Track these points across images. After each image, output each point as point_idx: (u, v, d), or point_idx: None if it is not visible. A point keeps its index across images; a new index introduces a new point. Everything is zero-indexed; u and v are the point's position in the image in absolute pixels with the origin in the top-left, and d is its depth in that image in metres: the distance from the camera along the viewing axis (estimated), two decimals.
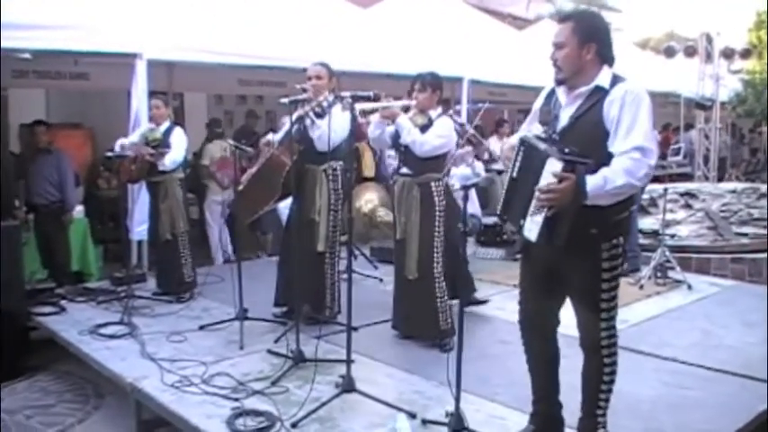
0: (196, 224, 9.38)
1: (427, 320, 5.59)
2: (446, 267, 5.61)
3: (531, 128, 3.82)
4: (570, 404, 3.95)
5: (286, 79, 8.84)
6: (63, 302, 6.87)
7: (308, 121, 5.78)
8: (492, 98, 6.09)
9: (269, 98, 12.03)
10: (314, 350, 5.03)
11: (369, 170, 11.02)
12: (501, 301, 6.49)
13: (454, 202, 5.85)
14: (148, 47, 7.52)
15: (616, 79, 3.56)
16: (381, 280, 7.77)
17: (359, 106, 5.08)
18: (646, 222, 9.91)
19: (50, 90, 10.47)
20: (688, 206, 11.21)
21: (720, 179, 15.89)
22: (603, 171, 3.35)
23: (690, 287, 7.70)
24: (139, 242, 7.99)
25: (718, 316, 6.72)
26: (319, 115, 5.72)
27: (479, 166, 7.10)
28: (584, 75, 3.58)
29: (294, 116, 5.61)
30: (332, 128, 5.27)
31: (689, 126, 17.20)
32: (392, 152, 6.70)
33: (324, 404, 4.42)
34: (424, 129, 5.48)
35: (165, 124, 7.11)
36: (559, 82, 3.66)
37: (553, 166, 3.30)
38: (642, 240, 8.92)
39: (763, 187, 12.29)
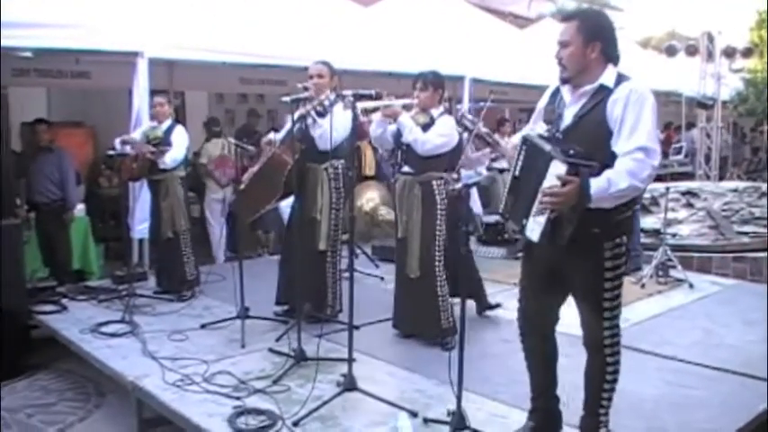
0: (197, 222, 9.38)
1: (429, 319, 5.59)
2: (451, 267, 5.62)
3: (536, 127, 3.82)
4: (573, 403, 3.95)
5: (287, 78, 8.82)
6: (64, 301, 6.87)
7: (309, 120, 5.77)
8: (493, 97, 6.06)
9: (270, 97, 12.03)
10: (315, 349, 5.03)
11: (370, 169, 11.04)
12: (502, 300, 6.47)
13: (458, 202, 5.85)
14: (150, 45, 7.51)
15: (621, 78, 3.55)
16: (383, 279, 7.77)
17: (360, 105, 5.07)
18: (647, 221, 9.90)
19: (52, 89, 10.46)
20: (689, 205, 11.20)
21: (722, 178, 15.88)
22: (607, 173, 3.34)
23: (691, 286, 7.70)
24: (141, 240, 7.98)
25: (719, 315, 6.72)
26: (321, 114, 5.71)
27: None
28: (588, 73, 3.58)
29: (296, 115, 5.61)
30: (333, 126, 5.26)
31: (690, 125, 17.20)
32: (385, 154, 6.71)
33: (325, 403, 4.41)
34: (425, 127, 5.47)
35: (167, 122, 7.11)
36: (564, 80, 3.66)
37: (557, 168, 3.29)
38: (644, 239, 8.91)
39: (764, 186, 12.28)
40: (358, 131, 5.51)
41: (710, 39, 16.24)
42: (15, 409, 5.42)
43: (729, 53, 16.52)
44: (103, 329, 6.01)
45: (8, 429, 5.10)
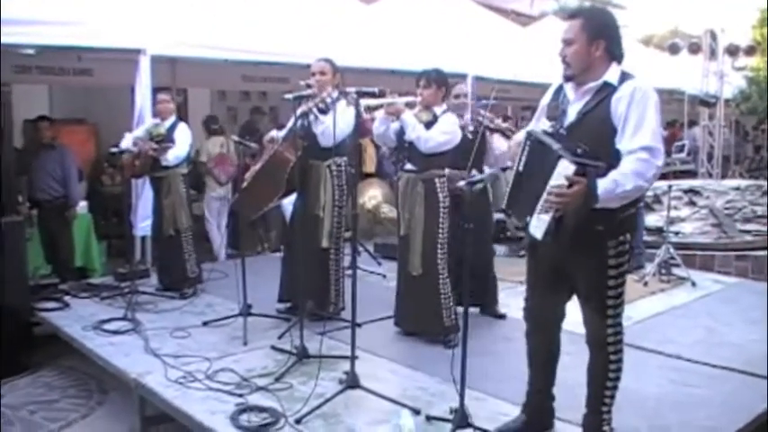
0: (199, 220, 9.37)
1: (431, 317, 5.59)
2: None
3: (539, 124, 3.82)
4: (575, 400, 3.95)
5: (290, 75, 8.82)
6: (66, 298, 6.87)
7: (311, 117, 5.77)
8: (495, 95, 6.08)
9: (273, 94, 12.02)
10: (318, 346, 5.03)
11: (370, 166, 11.03)
12: (505, 298, 6.47)
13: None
14: (152, 43, 7.51)
15: (624, 76, 3.57)
16: (385, 276, 7.76)
17: (363, 102, 5.07)
18: (650, 219, 9.90)
19: (54, 86, 10.45)
20: (692, 203, 11.20)
21: (724, 176, 15.87)
22: (614, 174, 3.35)
23: (694, 284, 7.70)
24: (143, 238, 7.98)
25: (721, 313, 6.71)
26: (323, 111, 5.71)
27: None
28: (592, 71, 3.59)
29: (298, 112, 5.61)
30: (336, 124, 5.26)
31: (692, 123, 17.18)
32: (387, 152, 6.70)
33: (328, 400, 4.41)
34: (428, 125, 5.47)
35: (171, 119, 7.11)
36: (568, 78, 3.67)
37: (565, 167, 3.30)
38: (646, 237, 8.91)
39: (766, 184, 12.25)
40: (360, 129, 5.52)
41: (713, 37, 16.22)
42: (18, 405, 5.43)
43: (732, 51, 16.51)
44: (106, 327, 6.00)
45: (11, 426, 5.11)
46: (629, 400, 4.22)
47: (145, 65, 7.51)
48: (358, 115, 4.87)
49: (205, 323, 6.12)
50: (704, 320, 6.48)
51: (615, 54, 3.61)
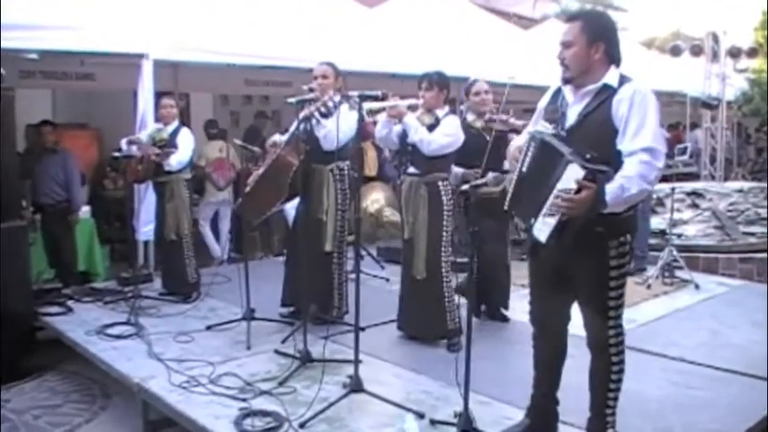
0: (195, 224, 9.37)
1: (435, 320, 5.58)
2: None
3: (538, 126, 3.82)
4: (577, 404, 3.94)
5: (292, 79, 8.83)
6: (70, 302, 6.89)
7: (313, 121, 5.77)
8: (497, 98, 6.10)
9: (275, 98, 12.02)
10: (321, 350, 5.05)
11: (371, 170, 11.02)
12: (510, 302, 6.46)
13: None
14: (154, 47, 7.53)
15: (623, 79, 3.59)
16: (388, 280, 7.76)
17: (366, 106, 5.07)
18: (653, 222, 9.87)
19: (57, 90, 10.46)
20: (695, 206, 11.17)
21: (726, 179, 15.84)
22: (619, 179, 3.37)
23: (697, 287, 7.69)
24: (146, 242, 8.00)
25: (725, 316, 6.70)
26: (324, 115, 5.71)
27: None
28: (591, 74, 3.61)
29: (300, 116, 5.61)
30: (339, 127, 5.26)
31: (694, 125, 17.17)
32: (389, 155, 6.68)
33: (332, 404, 4.41)
34: (431, 128, 5.47)
35: (174, 124, 7.12)
36: (566, 80, 3.68)
37: (575, 172, 3.30)
38: (649, 240, 8.89)
39: None
40: (362, 132, 5.51)
41: (715, 39, 16.21)
42: (22, 410, 5.43)
43: (734, 53, 16.50)
44: (109, 331, 6.01)
45: (15, 431, 5.11)
46: (632, 403, 4.22)
47: (147, 69, 7.53)
48: (360, 119, 4.85)
49: (208, 327, 6.13)
50: (708, 323, 6.47)
51: (614, 57, 3.63)
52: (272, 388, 4.75)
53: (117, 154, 6.95)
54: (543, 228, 3.43)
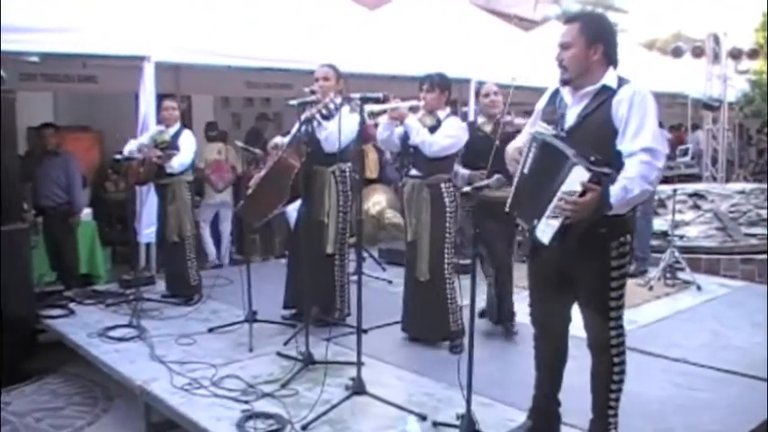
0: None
1: (438, 322, 5.58)
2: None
3: (536, 127, 3.81)
4: (580, 405, 3.94)
5: (293, 81, 8.84)
6: (72, 305, 6.88)
7: (315, 123, 5.77)
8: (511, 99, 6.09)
9: (276, 100, 12.02)
10: (324, 352, 5.04)
11: (373, 172, 11.02)
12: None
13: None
14: (156, 49, 7.53)
15: (622, 80, 3.62)
16: (390, 282, 7.76)
17: (367, 108, 5.07)
18: (655, 223, 9.86)
19: (58, 93, 10.47)
20: (697, 207, 11.17)
21: (728, 180, 15.84)
22: (622, 181, 3.38)
23: (699, 288, 7.69)
24: (148, 245, 7.99)
25: (727, 317, 6.71)
26: (326, 117, 5.71)
27: None
28: (590, 75, 3.62)
29: (302, 118, 5.61)
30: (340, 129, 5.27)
31: (696, 127, 17.17)
32: (390, 158, 6.66)
33: (334, 406, 4.41)
34: (432, 129, 5.47)
35: (175, 126, 7.13)
36: (565, 82, 3.70)
37: (581, 175, 3.30)
38: (651, 241, 8.90)
39: None
40: (363, 134, 5.52)
41: (716, 40, 16.20)
42: (24, 413, 5.42)
43: (735, 55, 16.50)
44: (111, 333, 6.01)
45: None
46: (634, 404, 4.22)
47: (149, 72, 7.53)
48: (362, 121, 4.86)
49: (210, 330, 6.13)
50: (710, 324, 6.47)
51: (612, 58, 3.66)
52: (275, 390, 4.75)
53: (118, 156, 6.95)
54: (546, 229, 3.43)
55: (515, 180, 3.68)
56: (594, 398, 3.84)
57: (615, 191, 3.35)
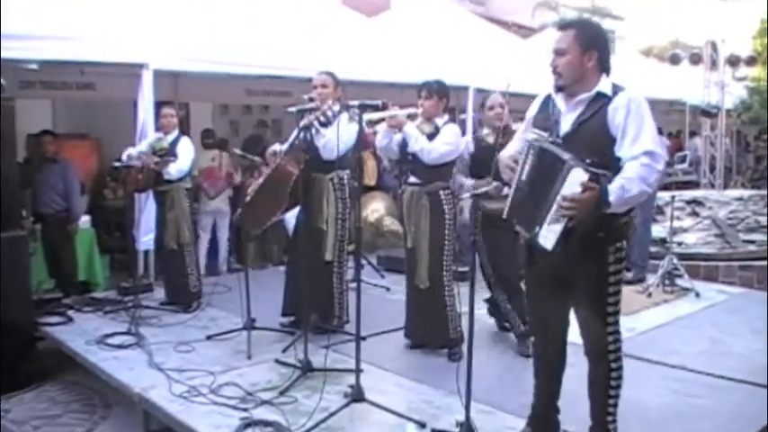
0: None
1: (437, 329, 5.58)
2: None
3: (529, 134, 3.81)
4: (579, 413, 3.93)
5: (292, 89, 8.86)
6: (70, 312, 6.87)
7: (313, 130, 5.77)
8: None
9: (275, 108, 12.03)
10: (322, 360, 5.04)
11: (371, 179, 11.02)
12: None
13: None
14: (155, 57, 7.53)
15: (616, 87, 3.63)
16: (389, 289, 7.76)
17: (366, 116, 5.07)
18: (653, 230, 9.88)
19: (57, 100, 10.48)
20: (695, 214, 11.19)
21: (726, 187, 15.87)
22: (620, 180, 3.40)
23: (698, 295, 7.69)
24: (146, 252, 7.99)
25: (726, 324, 6.70)
26: (324, 124, 5.72)
27: None
28: (584, 82, 3.64)
29: (300, 125, 5.62)
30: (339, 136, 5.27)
31: (693, 134, 17.20)
32: (389, 165, 6.64)
33: (333, 414, 4.41)
34: (431, 137, 5.47)
35: (174, 134, 7.14)
36: (559, 88, 3.71)
37: (580, 176, 3.32)
38: (650, 248, 8.90)
39: None
40: (361, 141, 5.52)
41: (714, 47, 16.26)
42: (21, 420, 5.41)
43: (733, 62, 16.56)
44: (109, 341, 6.01)
45: None
46: (633, 411, 4.22)
47: (147, 79, 7.53)
48: (360, 129, 4.86)
49: (209, 337, 6.12)
50: (708, 331, 6.47)
51: (605, 66, 3.67)
52: (273, 398, 4.74)
53: (117, 164, 6.96)
54: (549, 235, 3.43)
55: (513, 187, 3.69)
56: (593, 405, 3.84)
57: (614, 189, 3.37)
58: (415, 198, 5.56)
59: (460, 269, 5.81)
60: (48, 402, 5.84)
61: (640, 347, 5.62)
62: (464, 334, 5.32)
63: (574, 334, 3.87)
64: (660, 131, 4.21)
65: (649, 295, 7.59)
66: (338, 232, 5.98)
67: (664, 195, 9.28)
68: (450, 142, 5.49)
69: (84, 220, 8.55)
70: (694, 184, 14.11)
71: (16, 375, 6.01)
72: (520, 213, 3.67)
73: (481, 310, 6.14)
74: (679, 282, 7.94)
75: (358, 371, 4.64)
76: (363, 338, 4.99)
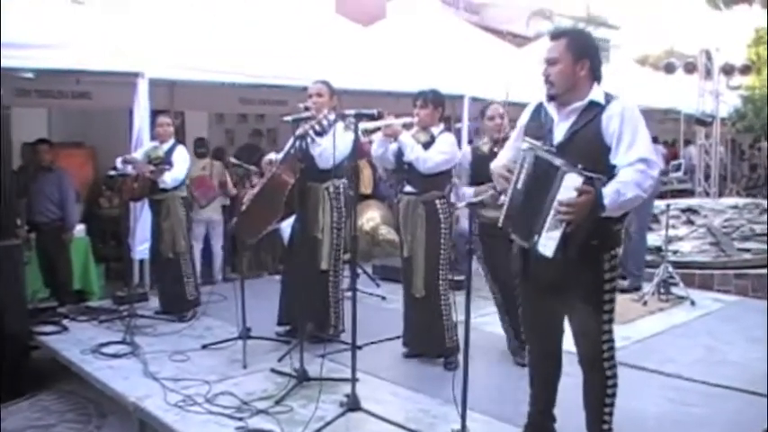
0: None
1: (433, 338, 5.58)
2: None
3: (521, 143, 3.82)
4: (574, 421, 3.93)
5: (287, 98, 8.86)
6: (65, 321, 6.86)
7: (308, 139, 5.77)
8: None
9: (270, 117, 12.04)
10: (318, 369, 5.02)
11: (367, 188, 11.02)
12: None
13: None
14: (150, 66, 7.53)
15: (609, 96, 3.65)
16: (384, 298, 7.76)
17: (361, 126, 5.06)
18: (648, 239, 9.89)
19: (52, 109, 10.47)
20: (690, 222, 11.20)
21: (720, 195, 15.91)
22: (615, 184, 3.42)
23: (693, 303, 7.69)
24: (141, 261, 7.97)
25: (721, 332, 6.70)
26: (319, 133, 5.72)
27: None
28: (577, 91, 3.66)
29: (295, 134, 5.62)
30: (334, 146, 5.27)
31: (688, 142, 17.25)
32: (384, 174, 6.62)
33: (328, 423, 4.40)
34: (426, 146, 5.47)
35: (170, 142, 7.14)
36: (551, 97, 3.72)
37: (574, 180, 3.34)
38: (645, 257, 8.91)
39: (764, 202, 12.28)
40: (357, 150, 5.53)
41: (708, 56, 16.34)
42: (17, 430, 5.39)
43: (727, 70, 16.62)
44: (104, 350, 6.00)
45: None
46: (629, 420, 4.22)
47: (143, 88, 7.53)
48: (356, 138, 4.86)
49: (204, 346, 6.11)
50: (704, 339, 6.47)
51: (597, 74, 3.69)
52: (269, 407, 4.73)
53: (112, 172, 6.96)
54: (548, 243, 3.44)
55: (508, 196, 3.68)
56: (589, 413, 3.85)
57: (609, 192, 3.39)
58: (411, 207, 5.56)
59: (456, 278, 5.80)
60: (42, 412, 5.81)
61: (636, 356, 5.63)
62: (460, 343, 5.33)
63: (569, 342, 3.87)
64: (656, 140, 4.23)
65: (645, 304, 7.59)
66: (334, 241, 5.98)
67: (659, 204, 9.29)
68: (446, 151, 5.48)
69: (80, 228, 8.53)
70: (689, 193, 14.13)
71: (11, 384, 5.99)
72: (516, 222, 3.67)
73: (477, 319, 6.16)
74: (674, 290, 7.95)
75: (354, 380, 4.63)
76: (359, 347, 4.99)
